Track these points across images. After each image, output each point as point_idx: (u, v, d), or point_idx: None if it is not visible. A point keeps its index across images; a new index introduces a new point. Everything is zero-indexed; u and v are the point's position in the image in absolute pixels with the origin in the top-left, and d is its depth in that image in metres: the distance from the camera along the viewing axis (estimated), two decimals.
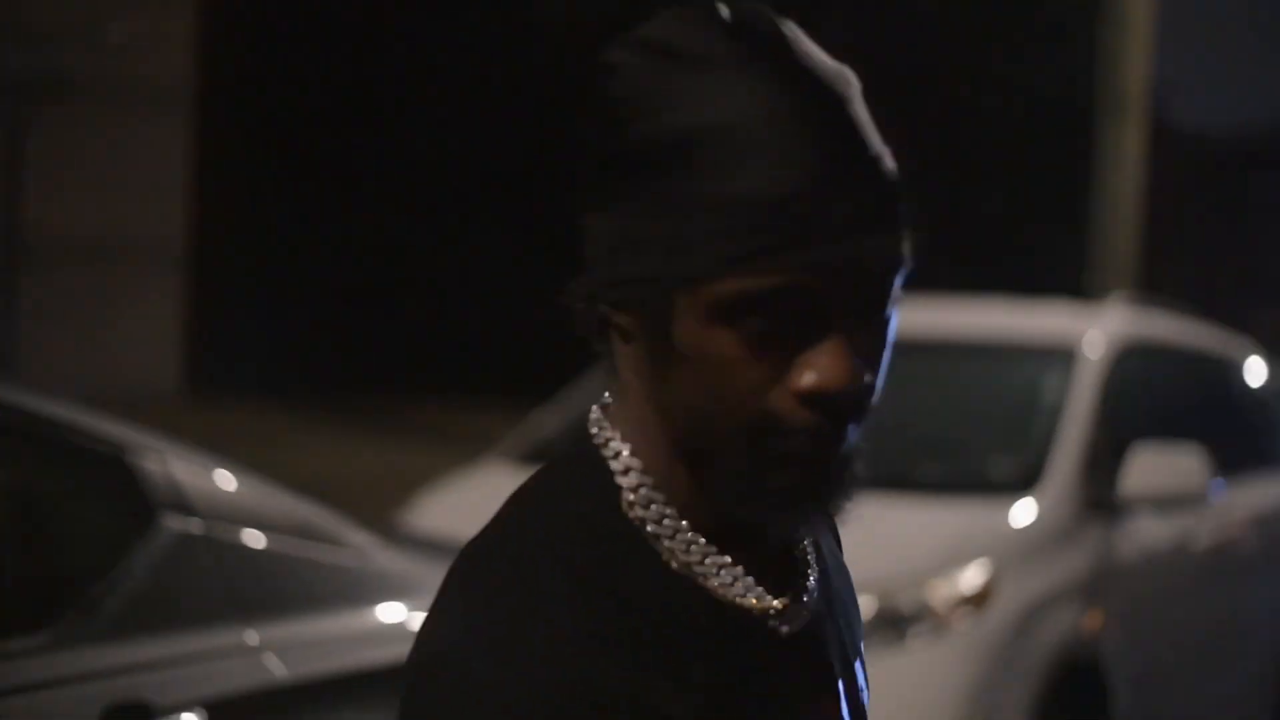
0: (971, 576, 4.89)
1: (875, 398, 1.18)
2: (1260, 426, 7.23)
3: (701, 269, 1.12)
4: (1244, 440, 6.96)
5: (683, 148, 1.12)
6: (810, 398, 1.13)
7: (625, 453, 1.23)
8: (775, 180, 1.10)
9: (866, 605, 4.74)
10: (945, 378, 6.05)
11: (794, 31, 1.15)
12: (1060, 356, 5.82)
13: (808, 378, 1.13)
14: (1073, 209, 14.96)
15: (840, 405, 1.14)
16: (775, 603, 1.24)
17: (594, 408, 1.27)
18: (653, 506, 1.22)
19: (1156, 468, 5.40)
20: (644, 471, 1.22)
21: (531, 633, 1.15)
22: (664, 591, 1.21)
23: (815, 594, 1.29)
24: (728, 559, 1.23)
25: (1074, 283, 12.55)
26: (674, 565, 1.21)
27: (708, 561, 1.22)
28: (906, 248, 1.15)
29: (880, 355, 1.18)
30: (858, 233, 1.11)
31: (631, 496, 1.22)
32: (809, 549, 1.32)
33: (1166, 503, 5.55)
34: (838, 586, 1.38)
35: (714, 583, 1.22)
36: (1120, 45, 11.96)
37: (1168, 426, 5.91)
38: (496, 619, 1.16)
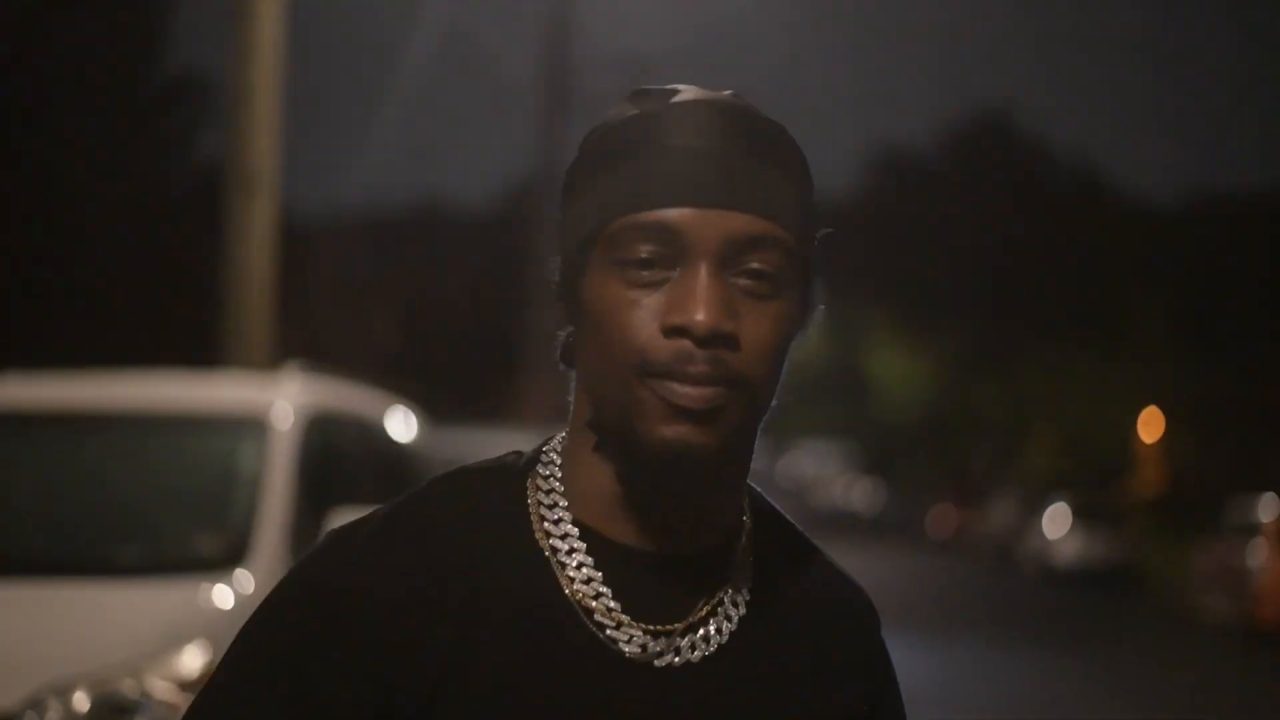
0: (190, 659, 4.73)
1: (759, 363, 1.35)
2: (413, 478, 7.42)
3: (601, 215, 1.37)
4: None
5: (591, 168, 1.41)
6: (670, 329, 1.33)
7: (555, 457, 1.44)
8: (644, 162, 1.37)
9: (79, 700, 4.48)
10: (132, 452, 5.85)
11: (671, 94, 1.41)
12: (250, 427, 5.76)
13: (669, 314, 1.34)
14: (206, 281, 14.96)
15: (697, 339, 1.32)
16: (609, 602, 1.36)
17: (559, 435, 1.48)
18: (549, 494, 1.41)
19: None
20: (561, 466, 1.43)
21: (367, 539, 1.38)
22: (514, 560, 1.38)
23: (712, 643, 1.39)
24: (590, 560, 1.38)
25: (207, 353, 12.55)
26: (543, 546, 1.39)
27: (566, 545, 1.39)
28: (763, 227, 1.36)
29: (764, 327, 1.35)
30: (695, 187, 1.36)
31: (540, 484, 1.42)
32: (740, 602, 1.42)
33: None
34: (796, 678, 1.43)
35: (564, 564, 1.38)
36: (248, 124, 12.04)
37: (352, 490, 5.99)
38: (356, 527, 1.40)
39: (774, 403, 1.41)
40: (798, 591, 1.47)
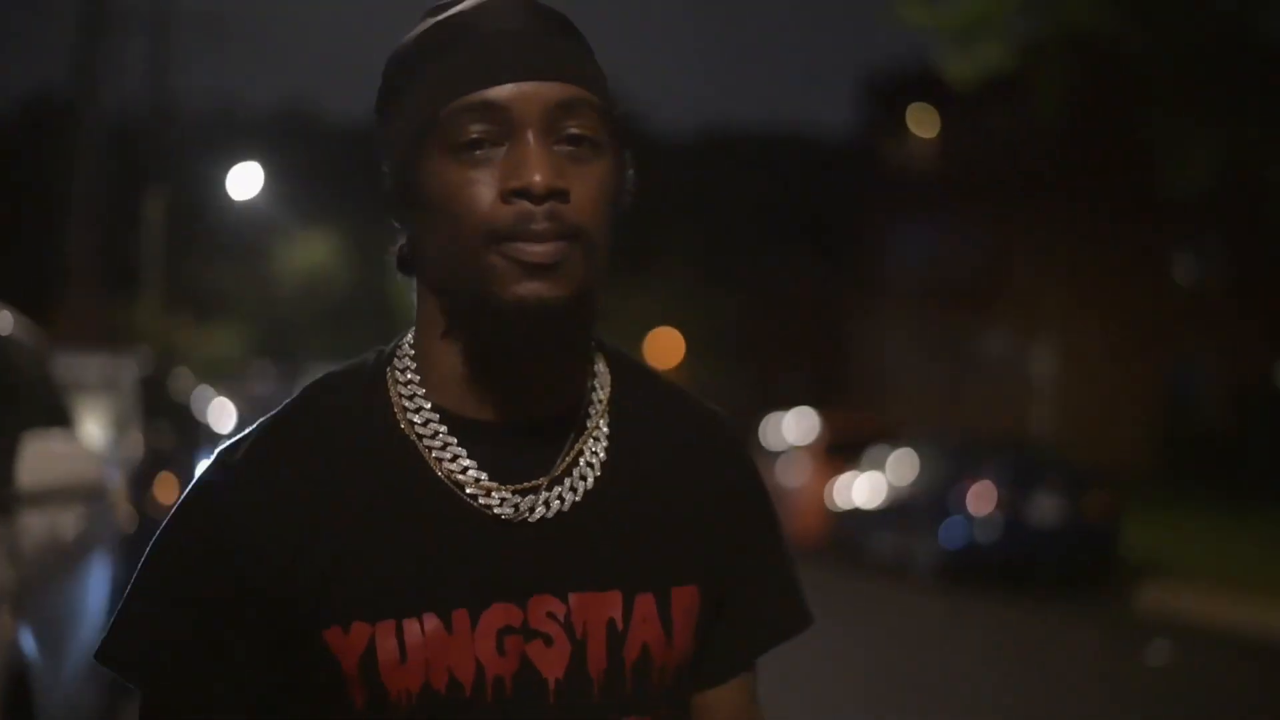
0: None
1: (591, 213, 1.48)
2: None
3: (429, 109, 1.48)
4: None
5: (411, 66, 1.52)
6: (508, 194, 1.45)
7: (408, 349, 1.56)
8: (461, 52, 1.49)
9: None
10: None
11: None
12: None
13: (507, 180, 1.45)
14: None
15: (533, 198, 1.44)
16: (475, 472, 1.50)
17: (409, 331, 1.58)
18: (407, 386, 1.54)
19: (54, 459, 5.24)
20: (416, 359, 1.54)
21: (250, 450, 1.52)
22: (386, 450, 1.51)
23: (576, 493, 1.52)
24: (447, 433, 1.51)
25: None
26: (405, 433, 1.51)
27: (430, 428, 1.52)
28: (575, 93, 1.48)
29: (589, 181, 1.48)
30: (511, 65, 1.47)
31: (397, 375, 1.54)
32: (599, 452, 1.55)
33: (67, 494, 5.41)
34: (665, 510, 1.57)
35: (433, 452, 1.51)
36: None
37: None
38: (240, 440, 1.54)
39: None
40: (659, 436, 1.60)
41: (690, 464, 1.61)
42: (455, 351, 1.52)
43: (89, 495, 5.68)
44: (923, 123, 37.51)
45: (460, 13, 1.51)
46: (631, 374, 1.63)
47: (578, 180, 1.47)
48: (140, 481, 8.74)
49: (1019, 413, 31.34)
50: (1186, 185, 20.04)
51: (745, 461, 1.67)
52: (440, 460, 1.51)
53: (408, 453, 1.51)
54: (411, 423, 1.52)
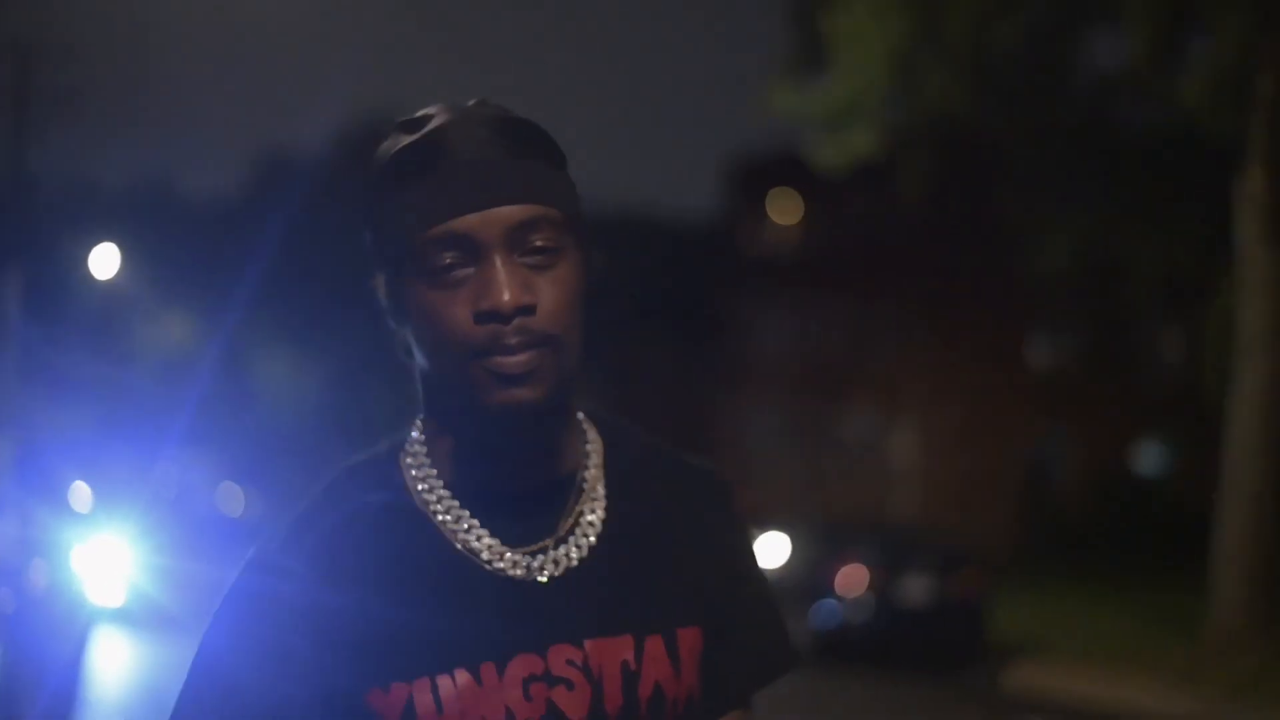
0: None
1: (558, 319, 1.62)
2: None
3: (404, 239, 1.63)
4: None
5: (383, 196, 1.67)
6: (480, 316, 1.60)
7: (417, 435, 1.73)
8: (428, 184, 1.63)
9: None
10: None
11: (445, 116, 1.67)
12: None
13: (478, 302, 1.61)
14: None
15: (504, 317, 1.60)
16: (489, 540, 1.66)
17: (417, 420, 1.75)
18: (419, 469, 1.71)
19: None
20: (424, 444, 1.72)
21: (290, 534, 1.68)
22: (408, 527, 1.67)
23: (582, 550, 1.69)
24: (460, 506, 1.68)
25: None
26: (421, 510, 1.68)
27: (444, 505, 1.68)
28: (533, 211, 1.63)
29: (554, 289, 1.63)
30: (473, 196, 1.62)
31: (409, 458, 1.71)
32: (598, 511, 1.71)
33: None
34: (663, 558, 1.73)
35: (447, 526, 1.67)
36: None
37: None
38: (278, 527, 1.71)
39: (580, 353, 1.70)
40: (652, 490, 1.77)
41: (682, 514, 1.78)
42: (457, 436, 1.69)
43: None
44: (784, 208, 37.98)
45: (429, 137, 1.65)
46: (621, 436, 1.80)
47: (544, 288, 1.63)
48: (14, 566, 8.54)
49: (882, 495, 31.65)
50: (1045, 266, 20.50)
51: (731, 508, 1.84)
52: (455, 532, 1.68)
53: (425, 527, 1.68)
54: (426, 500, 1.69)
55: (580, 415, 1.77)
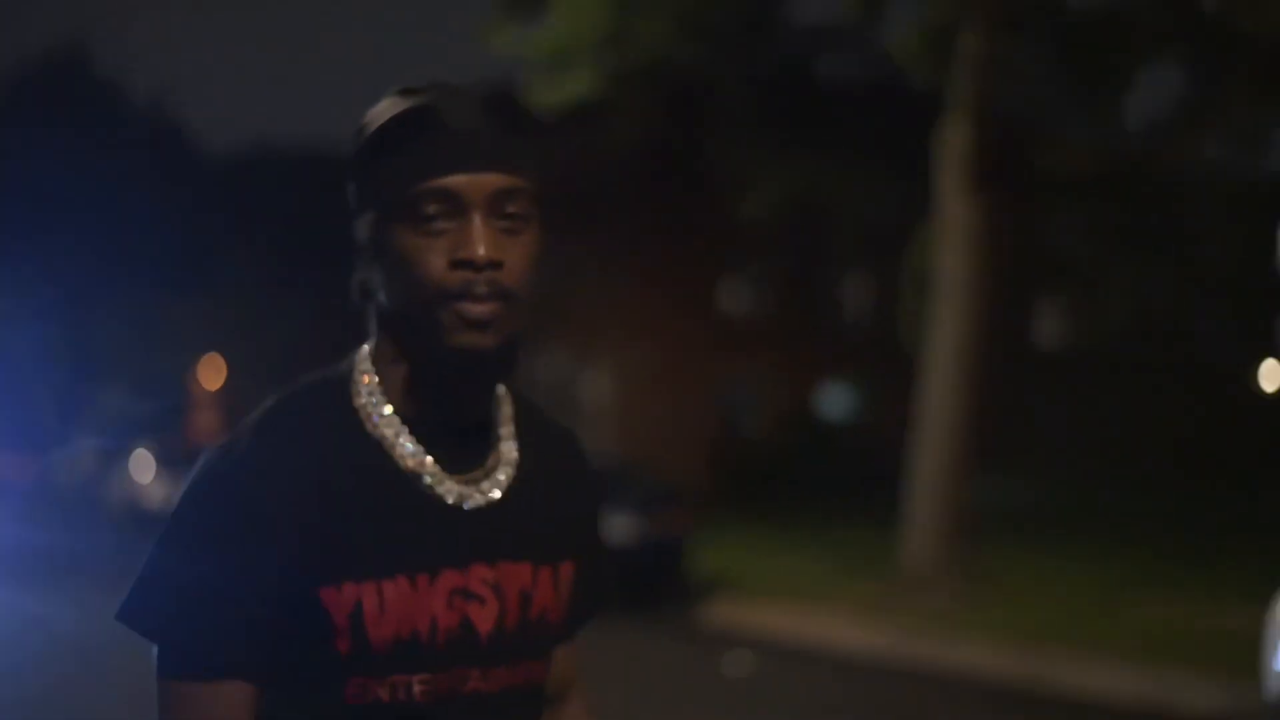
0: None
1: (520, 279, 1.85)
2: None
3: (398, 188, 1.85)
4: None
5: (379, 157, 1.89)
6: (457, 263, 1.83)
7: (367, 357, 1.93)
8: (424, 144, 1.85)
9: None
10: None
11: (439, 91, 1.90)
12: None
13: (456, 252, 1.83)
14: None
15: (477, 267, 1.82)
16: (431, 466, 1.88)
17: (363, 347, 1.95)
18: (372, 396, 1.90)
19: None
20: (376, 374, 1.91)
21: (250, 441, 1.86)
22: (359, 446, 1.88)
23: (501, 485, 1.93)
24: (410, 436, 1.89)
25: None
26: (371, 433, 1.89)
27: (396, 435, 1.89)
28: (511, 181, 1.86)
29: (520, 253, 1.86)
30: (465, 160, 1.85)
31: (360, 386, 1.91)
32: (512, 454, 1.95)
33: None
34: (553, 501, 2.00)
35: (396, 450, 1.89)
36: None
37: None
38: (237, 434, 1.88)
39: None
40: (545, 442, 2.03)
41: (566, 463, 2.06)
42: (407, 370, 1.90)
43: None
44: None
45: (428, 105, 1.87)
46: (518, 394, 2.05)
47: (511, 251, 1.86)
48: None
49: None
50: (749, 212, 20.87)
51: (588, 464, 2.12)
52: (402, 455, 1.89)
53: (373, 447, 1.89)
54: (375, 423, 1.90)
55: None
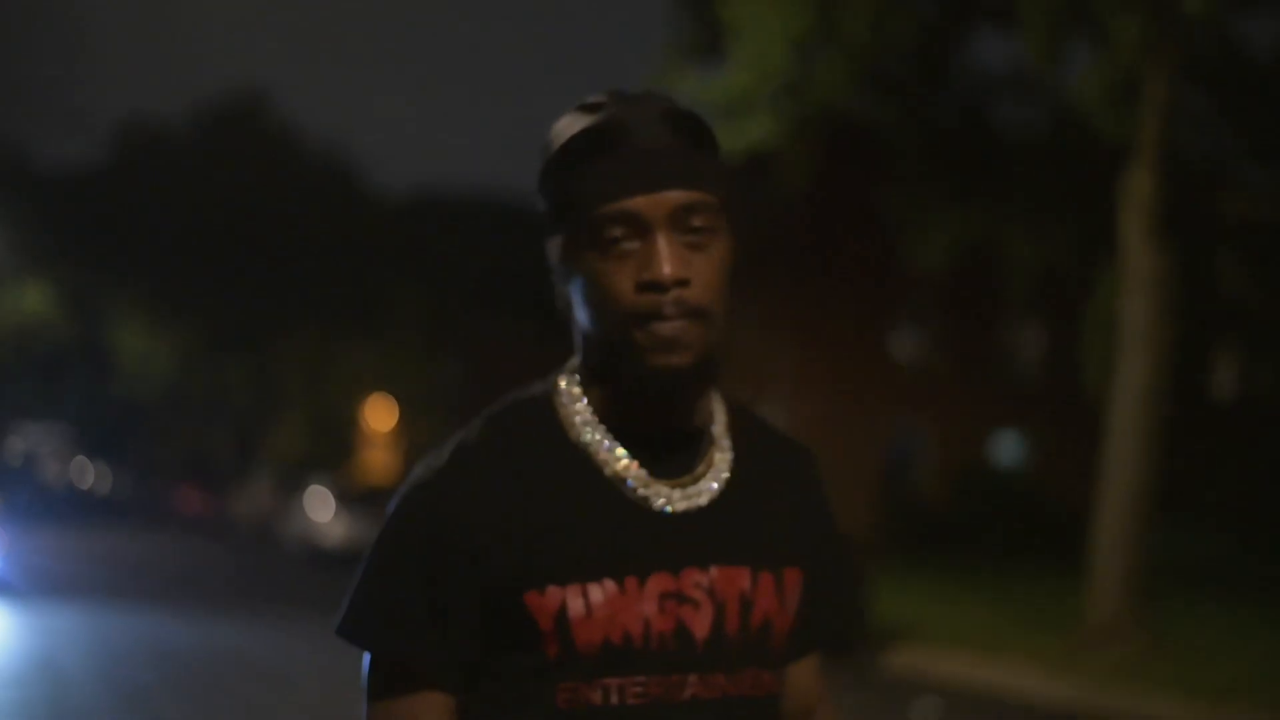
0: None
1: (709, 294, 1.84)
2: None
3: (581, 211, 1.85)
4: None
5: (562, 178, 1.88)
6: (642, 285, 1.82)
7: (574, 374, 1.94)
8: (604, 165, 1.84)
9: None
10: None
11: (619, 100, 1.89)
12: None
13: (642, 273, 1.82)
14: None
15: (663, 287, 1.81)
16: (637, 471, 1.88)
17: (570, 361, 1.97)
18: (575, 405, 1.92)
19: None
20: (580, 386, 1.93)
21: (453, 457, 1.88)
22: (563, 455, 1.89)
23: (713, 491, 1.92)
24: (616, 442, 1.89)
25: None
26: (575, 442, 1.90)
27: (600, 440, 1.90)
28: (691, 196, 1.84)
29: (707, 267, 1.85)
30: (646, 179, 1.83)
31: (564, 397, 1.92)
32: (726, 462, 1.94)
33: None
34: (773, 509, 1.97)
35: (601, 456, 1.89)
36: None
37: None
38: (442, 452, 1.91)
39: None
40: (766, 451, 2.02)
41: (788, 476, 2.04)
42: (613, 385, 1.90)
43: None
44: None
45: (609, 122, 1.86)
46: (737, 405, 2.05)
47: (698, 267, 1.84)
48: None
49: None
50: (923, 261, 20.84)
51: (821, 481, 2.10)
52: (607, 462, 1.90)
53: (578, 455, 1.90)
54: (580, 432, 1.91)
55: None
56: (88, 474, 62.44)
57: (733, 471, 1.95)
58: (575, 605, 1.83)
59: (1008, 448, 34.52)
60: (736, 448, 1.98)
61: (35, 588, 19.30)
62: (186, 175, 50.00)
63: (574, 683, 1.84)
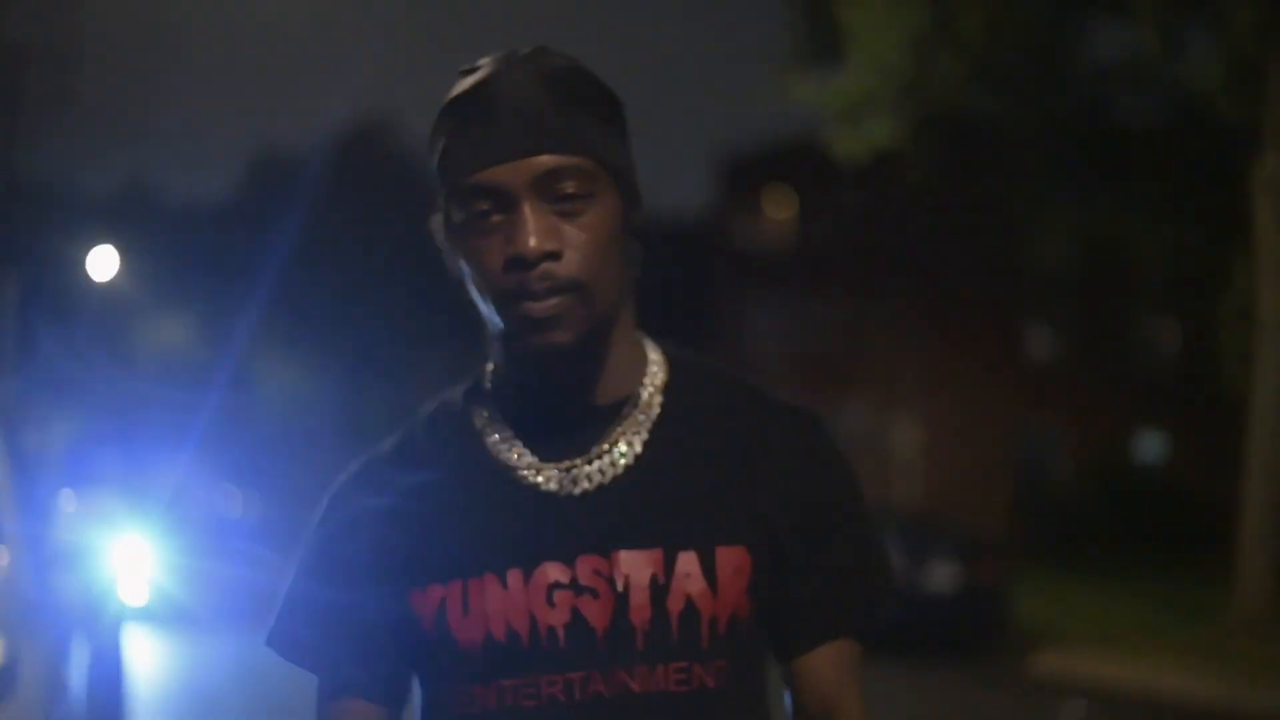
0: None
1: (585, 265, 1.69)
2: None
3: (450, 185, 1.72)
4: None
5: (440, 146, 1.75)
6: (508, 262, 1.68)
7: (490, 364, 1.83)
8: (469, 133, 1.71)
9: None
10: None
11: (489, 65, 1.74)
12: None
13: (505, 249, 1.69)
14: None
15: (527, 263, 1.67)
16: (526, 457, 1.75)
17: None
18: (480, 393, 1.81)
19: None
20: (490, 376, 1.82)
21: (363, 461, 1.83)
22: (464, 447, 1.79)
23: (617, 469, 1.74)
24: (505, 426, 1.78)
25: None
26: (477, 431, 1.79)
27: (493, 425, 1.78)
28: (562, 160, 1.68)
29: (582, 236, 1.69)
30: (508, 146, 1.68)
31: (482, 384, 1.82)
32: (641, 433, 1.76)
33: None
34: (710, 480, 1.76)
35: (489, 442, 1.78)
36: None
37: None
38: (342, 474, 1.85)
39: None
40: (712, 418, 1.79)
41: (748, 442, 1.78)
42: (509, 362, 1.78)
43: None
44: (778, 202, 38.05)
45: (476, 86, 1.72)
46: (693, 368, 1.84)
47: (571, 235, 1.69)
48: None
49: (882, 487, 31.73)
50: (1047, 257, 20.60)
51: (818, 444, 1.82)
52: (499, 449, 1.77)
53: (474, 445, 1.79)
54: (478, 420, 1.80)
55: (647, 346, 1.83)
56: (235, 502, 63.47)
57: (649, 444, 1.76)
58: (453, 603, 1.73)
59: (1147, 444, 34.00)
60: (667, 415, 1.78)
61: (182, 615, 19.61)
62: (320, 204, 50.65)
63: (469, 685, 1.73)
